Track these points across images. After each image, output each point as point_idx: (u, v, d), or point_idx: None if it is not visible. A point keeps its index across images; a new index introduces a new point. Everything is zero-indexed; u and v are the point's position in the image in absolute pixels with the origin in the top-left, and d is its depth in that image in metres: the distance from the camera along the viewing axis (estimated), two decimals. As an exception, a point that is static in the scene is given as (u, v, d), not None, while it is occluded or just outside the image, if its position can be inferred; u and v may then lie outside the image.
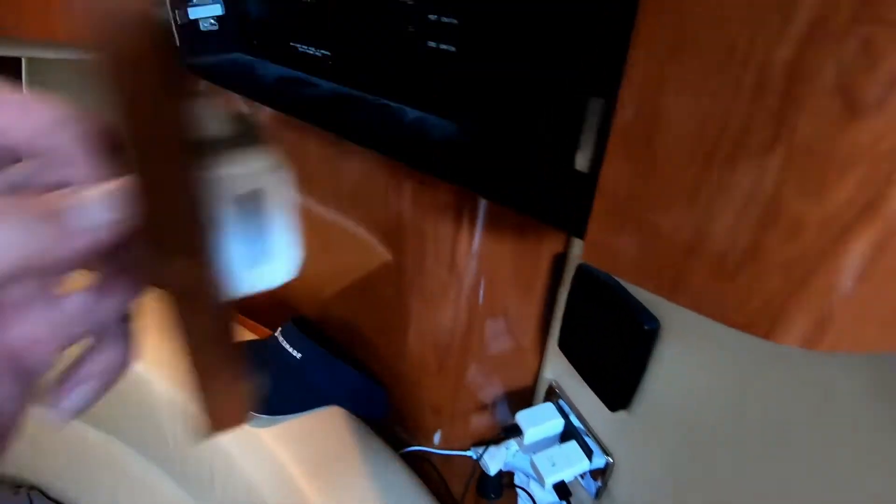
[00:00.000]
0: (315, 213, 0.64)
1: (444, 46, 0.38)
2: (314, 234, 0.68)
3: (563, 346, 0.54)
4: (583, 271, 0.48)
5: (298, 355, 0.63)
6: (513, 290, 0.56)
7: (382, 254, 0.60)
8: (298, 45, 0.51)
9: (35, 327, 0.18)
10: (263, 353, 0.66)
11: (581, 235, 0.26)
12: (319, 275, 0.71)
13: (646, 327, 0.41)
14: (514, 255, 0.54)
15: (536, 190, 0.30)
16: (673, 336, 0.41)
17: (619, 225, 0.23)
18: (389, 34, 0.41)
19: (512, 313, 0.58)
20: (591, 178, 0.26)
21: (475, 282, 0.54)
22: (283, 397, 0.61)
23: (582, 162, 0.26)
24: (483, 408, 0.64)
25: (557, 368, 0.60)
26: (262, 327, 0.91)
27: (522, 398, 0.65)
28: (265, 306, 0.89)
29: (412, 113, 0.42)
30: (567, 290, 0.53)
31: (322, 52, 0.48)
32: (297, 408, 0.62)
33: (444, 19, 0.37)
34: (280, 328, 0.68)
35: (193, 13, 0.53)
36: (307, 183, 0.62)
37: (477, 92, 0.36)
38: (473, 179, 0.33)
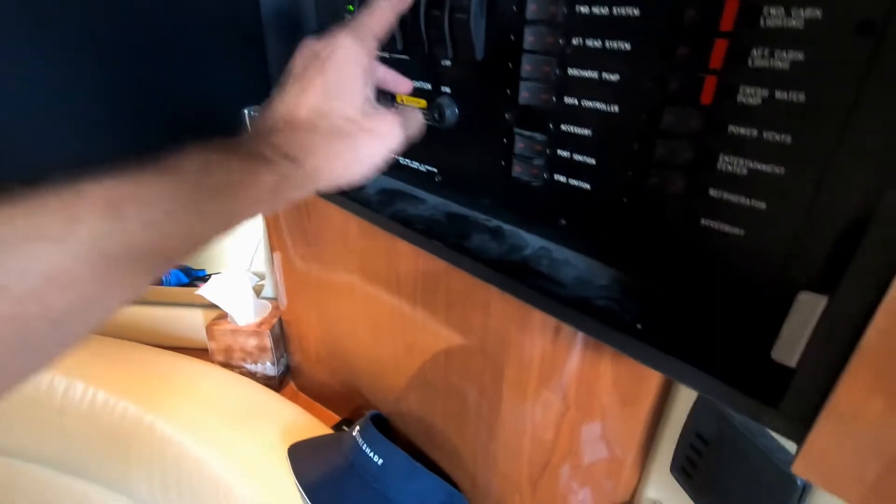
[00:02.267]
0: (405, 311, 0.63)
1: (575, 183, 0.36)
2: (401, 331, 0.66)
3: (678, 472, 0.49)
4: (705, 403, 0.44)
5: (380, 461, 0.60)
6: (615, 405, 0.53)
7: (472, 356, 0.58)
8: (400, 158, 0.51)
9: None
10: (341, 453, 0.64)
11: (791, 438, 0.23)
12: (399, 369, 0.69)
13: (799, 482, 0.37)
14: (617, 370, 0.51)
15: (712, 369, 0.27)
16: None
17: (857, 445, 0.20)
18: (509, 159, 0.40)
19: (613, 429, 0.54)
20: (797, 375, 0.23)
21: (576, 397, 0.51)
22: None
23: (784, 355, 0.23)
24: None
25: (665, 491, 0.55)
26: (330, 412, 0.90)
27: (617, 515, 0.60)
28: (336, 392, 0.87)
29: (534, 241, 0.40)
30: (677, 406, 0.49)
31: (428, 167, 0.48)
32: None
33: (578, 157, 0.35)
34: (358, 427, 0.65)
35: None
36: (400, 282, 0.61)
37: (631, 239, 0.34)
38: (622, 339, 0.31)
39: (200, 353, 0.91)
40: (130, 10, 0.41)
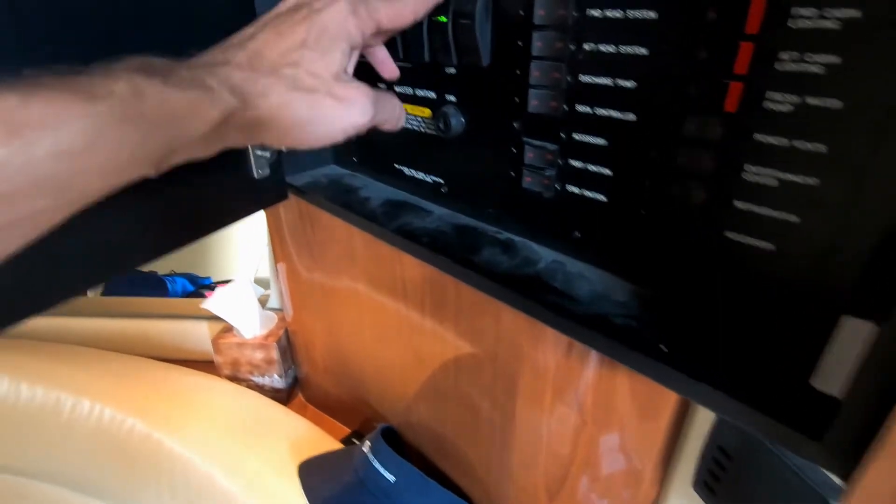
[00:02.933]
0: (412, 319, 0.62)
1: (589, 194, 0.35)
2: (408, 339, 0.65)
3: (700, 487, 0.47)
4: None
5: (392, 478, 0.59)
6: (634, 418, 0.51)
7: (483, 366, 0.56)
8: (405, 168, 0.49)
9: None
10: (351, 469, 0.62)
11: (836, 473, 0.21)
12: (408, 379, 0.68)
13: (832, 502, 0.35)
14: (634, 382, 0.49)
15: (745, 396, 0.25)
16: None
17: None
18: (518, 169, 0.38)
19: (632, 442, 0.52)
20: (844, 407, 0.21)
21: (593, 410, 0.49)
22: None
23: (827, 384, 0.22)
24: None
25: (686, 505, 0.53)
26: (340, 424, 0.88)
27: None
28: (344, 404, 0.86)
29: (546, 254, 0.39)
30: (699, 418, 0.47)
31: (434, 178, 0.46)
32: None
33: (592, 167, 0.34)
34: (368, 443, 0.64)
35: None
36: (407, 290, 0.59)
37: (650, 252, 0.32)
38: (644, 361, 0.29)
39: (207, 365, 0.90)
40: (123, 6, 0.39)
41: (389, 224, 0.45)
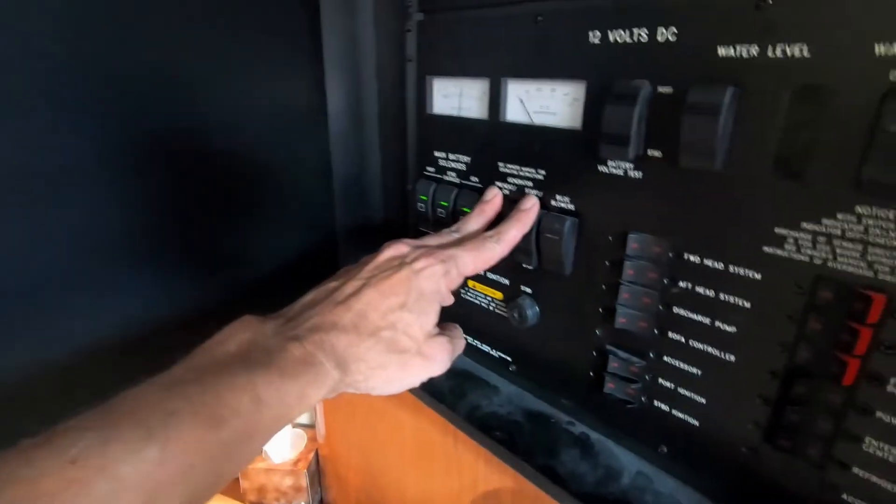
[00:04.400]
0: (467, 458, 0.59)
1: (680, 415, 0.34)
2: (468, 482, 0.62)
3: None
4: None
5: None
6: None
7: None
8: (471, 338, 0.49)
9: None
10: None
11: None
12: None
13: None
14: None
15: None
16: None
17: None
18: (599, 373, 0.38)
19: None
20: None
21: None
22: None
23: None
24: None
25: None
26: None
27: None
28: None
29: (629, 462, 0.38)
30: None
31: (502, 354, 0.46)
32: None
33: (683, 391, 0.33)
34: None
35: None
36: (457, 437, 0.58)
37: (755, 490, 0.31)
38: None
39: (233, 487, 0.86)
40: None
41: (458, 406, 0.44)
